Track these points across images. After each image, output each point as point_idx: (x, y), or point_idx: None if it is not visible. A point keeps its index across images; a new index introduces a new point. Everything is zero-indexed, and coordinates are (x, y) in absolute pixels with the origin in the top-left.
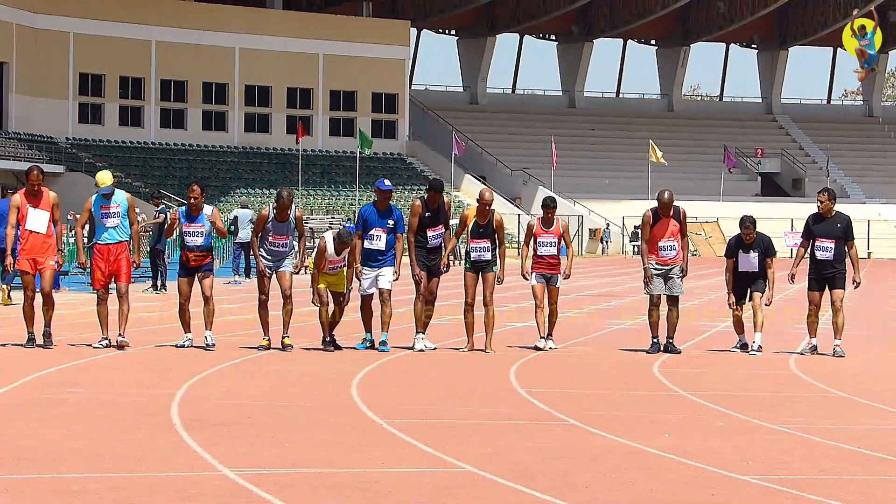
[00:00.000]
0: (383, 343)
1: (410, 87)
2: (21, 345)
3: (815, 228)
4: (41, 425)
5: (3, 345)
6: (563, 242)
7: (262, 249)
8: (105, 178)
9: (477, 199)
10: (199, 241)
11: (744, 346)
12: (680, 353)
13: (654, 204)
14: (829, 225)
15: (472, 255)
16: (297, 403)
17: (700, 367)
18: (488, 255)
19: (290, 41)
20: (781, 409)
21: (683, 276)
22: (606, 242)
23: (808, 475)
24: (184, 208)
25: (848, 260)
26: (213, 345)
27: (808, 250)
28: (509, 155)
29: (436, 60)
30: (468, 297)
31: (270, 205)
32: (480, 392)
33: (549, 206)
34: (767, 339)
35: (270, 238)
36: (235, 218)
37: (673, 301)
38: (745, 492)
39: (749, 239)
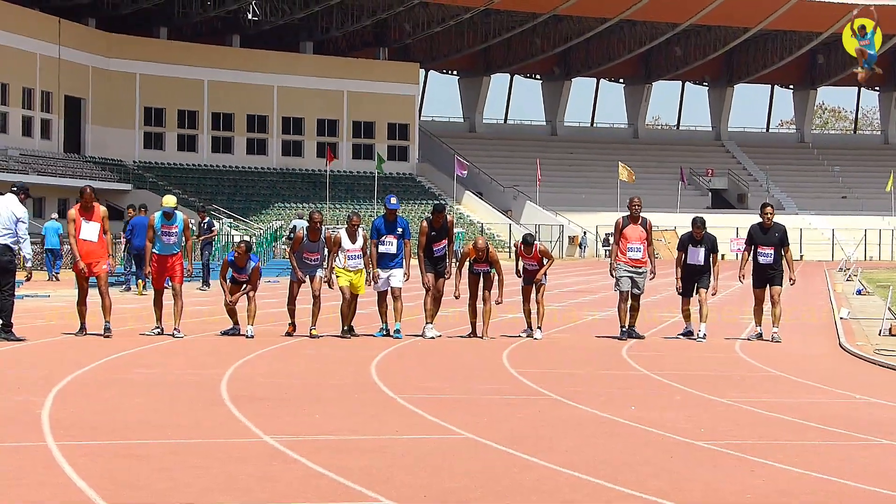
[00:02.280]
0: (397, 331)
1: (419, 119)
2: (99, 334)
3: (757, 238)
4: (113, 400)
5: (89, 334)
6: (542, 259)
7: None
8: (170, 201)
9: (472, 246)
10: (244, 278)
11: (689, 334)
12: (643, 338)
13: (625, 213)
14: (769, 235)
15: (475, 270)
16: (325, 382)
17: (660, 351)
18: (486, 269)
19: (319, 80)
20: (728, 386)
21: (652, 277)
22: (583, 247)
23: (751, 441)
24: (231, 256)
25: (784, 262)
26: (253, 336)
27: (752, 255)
28: (502, 174)
29: (441, 96)
30: (472, 295)
31: (305, 228)
32: (478, 372)
33: (526, 242)
34: (719, 328)
35: (305, 254)
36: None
37: (635, 297)
38: (698, 455)
39: (698, 236)
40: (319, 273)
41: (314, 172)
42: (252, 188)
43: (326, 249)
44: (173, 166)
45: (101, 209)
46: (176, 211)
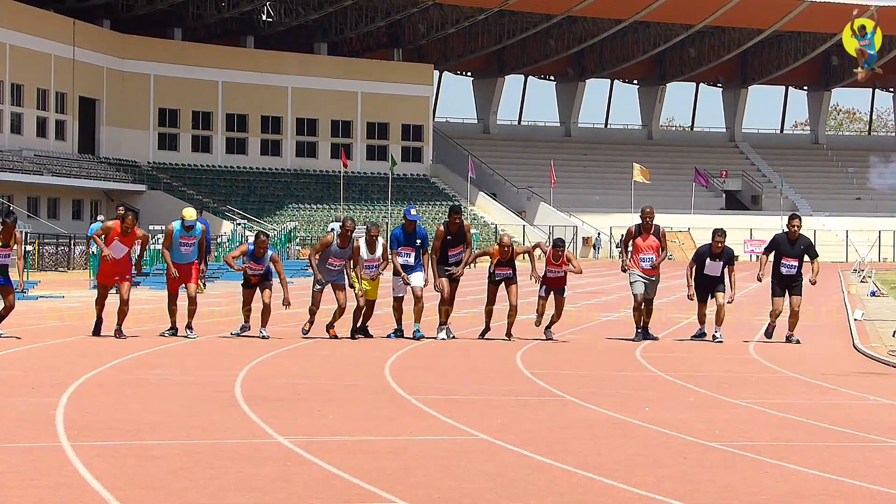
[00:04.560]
0: (418, 331)
1: (433, 120)
2: (110, 335)
3: (783, 250)
4: (127, 401)
5: (103, 335)
6: (569, 267)
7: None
8: (190, 213)
9: (497, 243)
10: (260, 272)
11: (702, 335)
12: (657, 339)
13: (638, 220)
14: (794, 247)
15: (497, 277)
16: (339, 382)
17: (674, 352)
18: (510, 273)
19: (334, 81)
20: (742, 387)
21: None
22: (597, 249)
23: (765, 442)
24: (251, 247)
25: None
26: (268, 337)
27: (774, 264)
28: (516, 176)
29: (455, 97)
30: (490, 301)
31: (335, 232)
32: (492, 373)
33: (558, 246)
34: (732, 330)
35: (331, 259)
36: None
37: (648, 300)
38: (712, 456)
39: (718, 250)
40: (345, 282)
41: (328, 174)
42: (266, 189)
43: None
44: (187, 167)
45: (140, 233)
46: (196, 223)
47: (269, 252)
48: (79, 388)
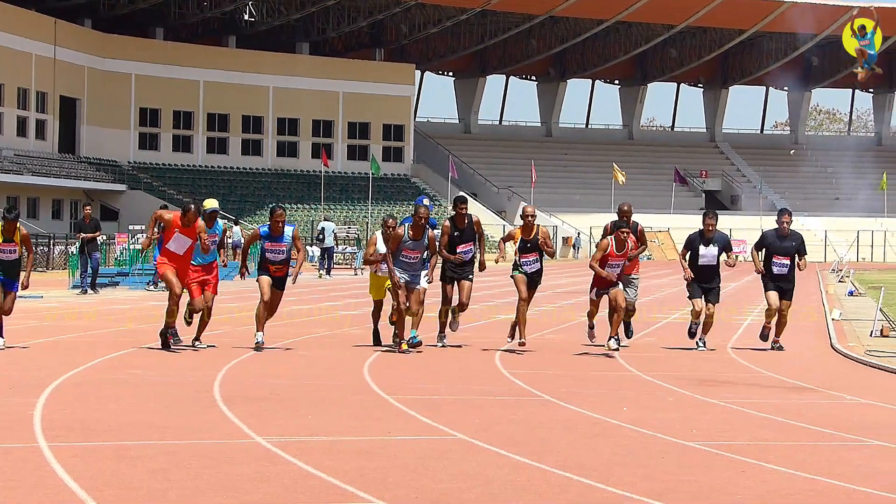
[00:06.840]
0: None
1: (415, 120)
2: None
3: (773, 247)
4: (106, 401)
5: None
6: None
7: (396, 264)
8: (211, 202)
9: (521, 216)
10: (281, 256)
11: (695, 335)
12: (627, 346)
13: (615, 217)
14: (786, 244)
15: (524, 267)
16: (318, 383)
17: (653, 352)
18: (537, 266)
19: (315, 81)
20: (721, 388)
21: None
22: (577, 248)
23: (743, 442)
24: (265, 228)
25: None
26: (261, 345)
27: (765, 263)
28: (496, 176)
29: (436, 97)
30: (522, 295)
31: (406, 225)
32: (471, 373)
33: (619, 226)
34: (713, 329)
35: (405, 252)
36: (322, 229)
37: (628, 304)
38: (690, 456)
39: (709, 233)
40: (423, 284)
41: (309, 173)
42: (247, 189)
43: (429, 252)
44: (168, 167)
45: (200, 224)
46: (219, 217)
47: (290, 228)
48: (57, 389)
